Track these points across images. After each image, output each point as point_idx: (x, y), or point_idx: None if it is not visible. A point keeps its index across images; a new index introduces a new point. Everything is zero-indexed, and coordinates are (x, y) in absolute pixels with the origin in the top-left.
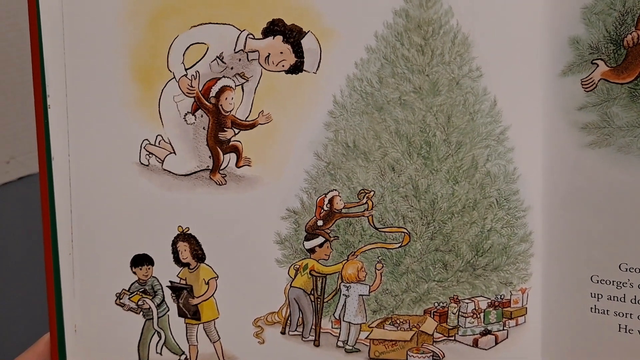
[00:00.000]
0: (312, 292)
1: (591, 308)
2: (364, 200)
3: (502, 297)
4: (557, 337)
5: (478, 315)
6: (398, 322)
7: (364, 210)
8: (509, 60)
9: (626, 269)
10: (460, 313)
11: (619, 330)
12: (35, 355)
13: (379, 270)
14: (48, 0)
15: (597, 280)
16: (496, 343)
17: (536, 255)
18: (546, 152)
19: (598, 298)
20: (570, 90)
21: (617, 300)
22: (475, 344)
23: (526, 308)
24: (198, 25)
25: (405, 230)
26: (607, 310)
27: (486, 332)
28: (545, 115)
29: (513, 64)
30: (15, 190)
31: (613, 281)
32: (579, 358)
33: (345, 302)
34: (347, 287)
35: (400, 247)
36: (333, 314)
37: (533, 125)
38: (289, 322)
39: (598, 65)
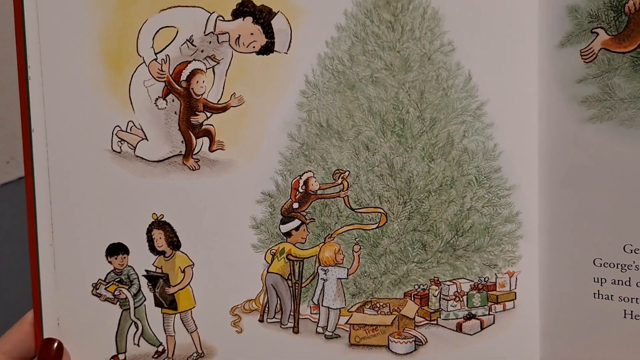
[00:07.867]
0: (290, 277)
1: (594, 293)
2: (339, 181)
3: (487, 279)
4: (557, 324)
5: (461, 299)
6: (378, 305)
7: (339, 191)
8: (488, 34)
9: (631, 251)
10: (441, 296)
11: (624, 317)
12: (23, 334)
13: (356, 252)
14: None
15: (600, 264)
16: (482, 328)
17: (526, 237)
18: (542, 127)
19: (601, 282)
20: (568, 62)
21: (622, 285)
22: (459, 328)
23: (515, 293)
24: (167, 8)
25: (382, 210)
26: (612, 296)
27: (470, 316)
28: (541, 89)
29: (497, 37)
30: (15, 190)
31: (617, 264)
32: (581, 346)
33: (323, 286)
34: (325, 271)
35: (377, 227)
36: (311, 299)
37: (526, 99)
38: (266, 309)
39: (598, 34)
